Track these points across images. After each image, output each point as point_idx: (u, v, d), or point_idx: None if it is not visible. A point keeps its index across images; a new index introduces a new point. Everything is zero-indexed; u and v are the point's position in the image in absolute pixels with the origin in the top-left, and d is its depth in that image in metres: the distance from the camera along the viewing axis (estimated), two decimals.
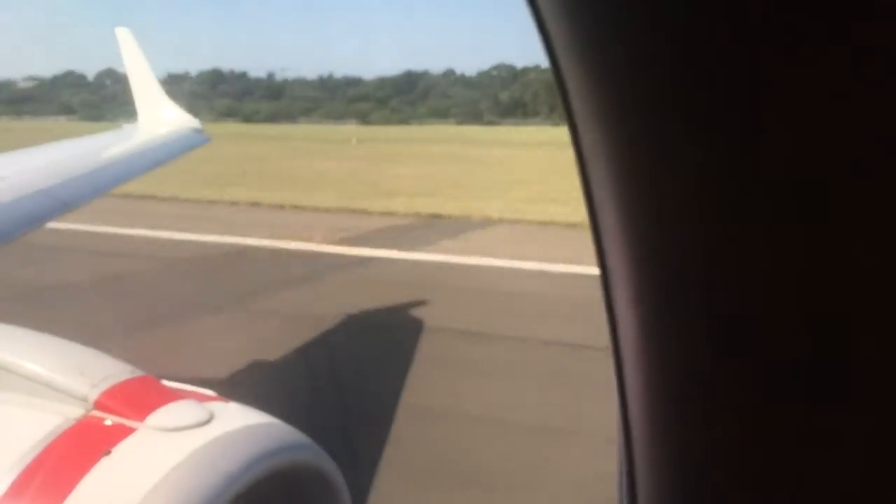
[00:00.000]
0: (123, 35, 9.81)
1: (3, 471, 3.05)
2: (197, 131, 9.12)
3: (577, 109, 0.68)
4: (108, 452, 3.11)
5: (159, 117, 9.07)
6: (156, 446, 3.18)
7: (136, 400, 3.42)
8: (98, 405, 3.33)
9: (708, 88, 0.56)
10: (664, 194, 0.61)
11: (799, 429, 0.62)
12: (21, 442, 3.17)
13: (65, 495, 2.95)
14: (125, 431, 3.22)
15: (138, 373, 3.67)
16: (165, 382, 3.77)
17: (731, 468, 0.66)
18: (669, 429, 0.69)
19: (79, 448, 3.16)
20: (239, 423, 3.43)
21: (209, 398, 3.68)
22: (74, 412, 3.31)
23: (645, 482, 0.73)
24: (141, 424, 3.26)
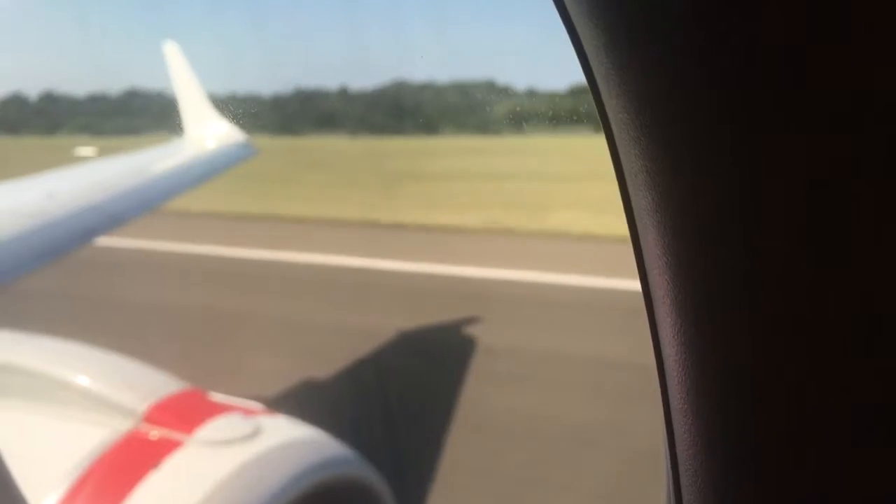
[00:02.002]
0: (170, 49, 10.00)
1: (55, 483, 3.10)
2: (244, 146, 9.24)
3: (619, 140, 0.69)
4: (157, 466, 3.14)
5: (206, 131, 9.21)
6: (203, 460, 3.21)
7: (184, 413, 3.46)
8: (147, 418, 3.37)
9: (746, 117, 0.56)
10: (704, 221, 0.62)
11: (844, 438, 0.62)
12: (71, 454, 3.22)
13: None
14: (173, 445, 3.25)
15: (186, 386, 3.71)
16: (213, 395, 3.80)
17: (775, 480, 0.66)
18: (714, 442, 0.69)
19: (128, 461, 3.20)
20: (285, 436, 3.44)
21: (256, 411, 3.71)
22: (123, 425, 3.35)
23: (691, 495, 0.74)
24: (189, 438, 3.29)
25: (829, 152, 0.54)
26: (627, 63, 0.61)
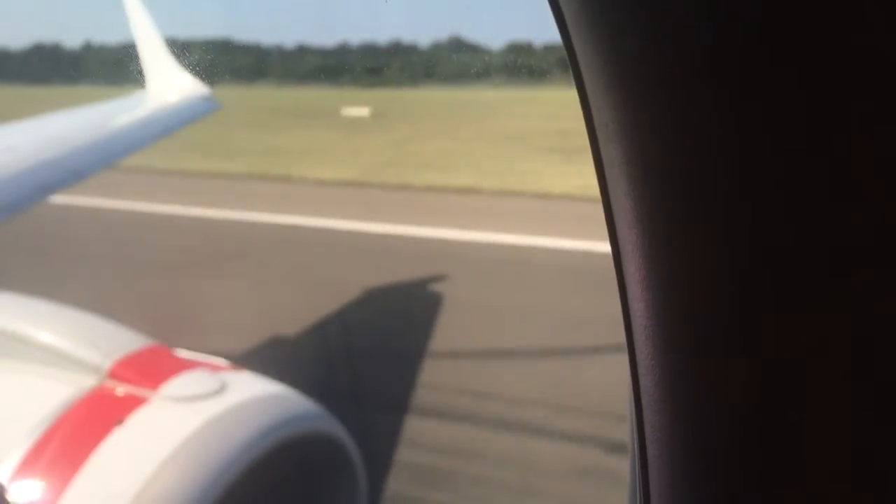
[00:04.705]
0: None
1: (19, 440, 3.08)
2: (207, 99, 9.07)
3: (590, 90, 0.67)
4: (122, 422, 3.14)
5: (168, 84, 9.01)
6: (169, 416, 3.21)
7: (149, 370, 3.44)
8: (112, 375, 3.35)
9: (724, 71, 0.55)
10: (673, 176, 0.61)
11: (818, 422, 0.61)
12: (36, 411, 3.20)
13: (79, 464, 2.98)
14: (138, 401, 3.24)
15: (151, 343, 3.69)
16: (178, 352, 3.79)
17: (741, 458, 0.65)
18: (683, 407, 0.68)
19: (92, 418, 3.18)
20: (251, 392, 3.45)
21: (221, 367, 3.70)
22: (88, 382, 3.33)
23: (658, 474, 0.73)
24: (154, 394, 3.28)
25: (814, 113, 0.53)
26: (600, 8, 0.60)
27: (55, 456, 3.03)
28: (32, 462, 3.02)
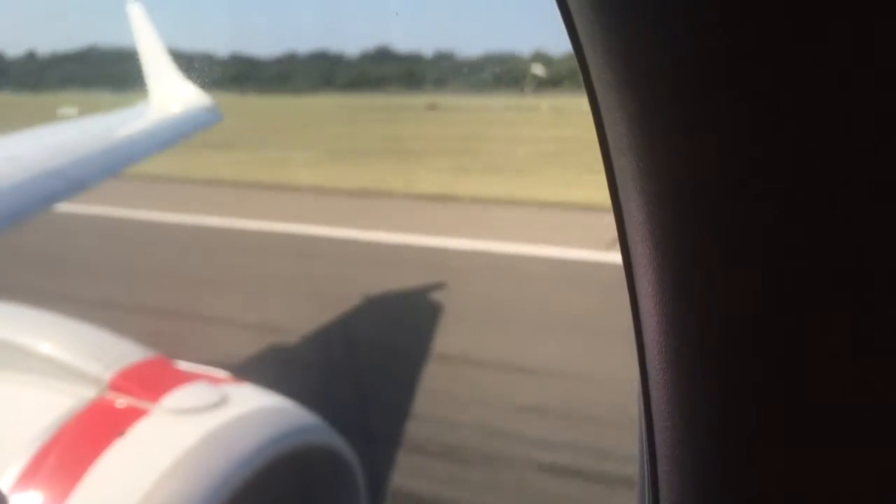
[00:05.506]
0: (134, 10, 9.74)
1: (19, 451, 3.07)
2: (210, 109, 9.07)
3: (603, 103, 0.68)
4: (122, 434, 3.13)
5: (172, 95, 9.03)
6: (169, 428, 3.20)
7: (150, 381, 3.44)
8: (112, 386, 3.35)
9: (739, 82, 0.55)
10: (691, 189, 0.61)
11: (826, 424, 0.61)
12: (36, 422, 3.19)
13: (79, 476, 2.98)
14: (139, 413, 3.24)
15: (152, 354, 3.68)
16: (179, 363, 3.78)
17: (753, 461, 0.65)
18: (693, 422, 0.68)
19: (93, 429, 3.18)
20: (252, 405, 3.44)
21: (222, 380, 3.70)
22: (88, 393, 3.33)
23: (667, 478, 0.73)
24: (154, 406, 3.27)
25: (826, 120, 0.53)
26: (614, 21, 0.60)
27: (55, 467, 3.03)
28: (33, 473, 3.01)
